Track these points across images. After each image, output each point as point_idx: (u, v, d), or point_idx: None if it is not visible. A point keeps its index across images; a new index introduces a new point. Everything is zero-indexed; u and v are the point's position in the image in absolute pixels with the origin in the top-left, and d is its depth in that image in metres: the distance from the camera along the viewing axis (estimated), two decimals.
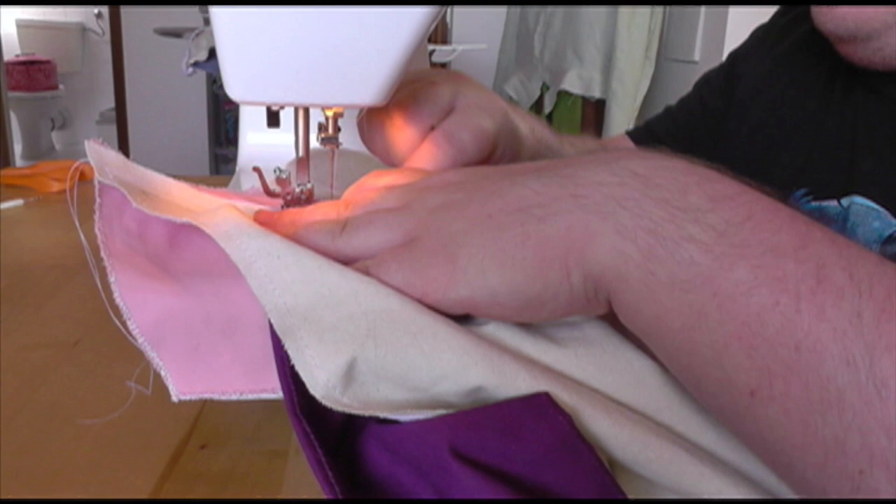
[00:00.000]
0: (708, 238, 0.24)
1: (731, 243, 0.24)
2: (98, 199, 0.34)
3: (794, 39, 0.63)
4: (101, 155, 0.36)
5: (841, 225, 0.52)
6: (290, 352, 0.27)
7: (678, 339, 0.25)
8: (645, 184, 0.26)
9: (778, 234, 0.24)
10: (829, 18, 0.51)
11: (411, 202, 0.32)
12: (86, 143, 0.36)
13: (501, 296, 0.28)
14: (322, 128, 0.42)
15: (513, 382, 0.26)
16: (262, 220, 0.34)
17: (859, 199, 0.52)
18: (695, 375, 0.25)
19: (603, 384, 0.29)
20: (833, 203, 0.53)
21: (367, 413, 0.26)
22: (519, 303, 0.28)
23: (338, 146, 0.42)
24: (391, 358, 0.27)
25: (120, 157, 0.37)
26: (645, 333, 0.27)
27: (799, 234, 0.24)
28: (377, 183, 0.37)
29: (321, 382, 0.26)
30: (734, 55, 0.71)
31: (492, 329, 0.29)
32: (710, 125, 0.70)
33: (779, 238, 0.24)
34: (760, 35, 0.69)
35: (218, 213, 0.33)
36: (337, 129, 0.42)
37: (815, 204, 0.55)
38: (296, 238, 0.32)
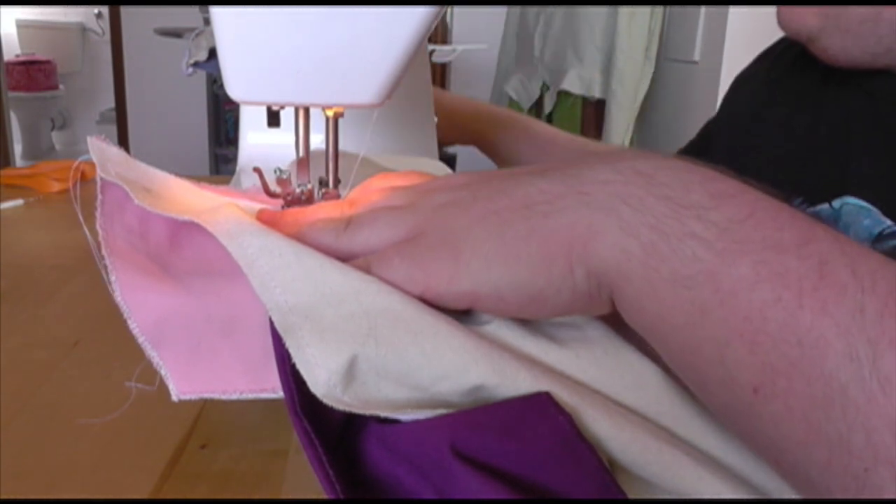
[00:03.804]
0: (710, 235, 0.24)
1: (733, 240, 0.24)
2: (100, 196, 0.34)
3: (787, 60, 0.64)
4: (103, 151, 0.36)
5: (833, 226, 0.52)
6: (290, 350, 0.27)
7: (681, 335, 0.25)
8: (648, 181, 0.26)
9: (780, 231, 0.24)
10: (782, 22, 0.52)
11: (416, 202, 0.32)
12: (88, 139, 0.36)
13: (504, 290, 0.28)
14: (323, 182, 0.42)
15: (513, 382, 0.26)
16: (264, 219, 0.34)
17: (851, 200, 0.52)
18: (697, 373, 0.25)
19: (604, 385, 0.29)
20: (825, 206, 0.53)
21: (367, 412, 0.26)
22: (522, 298, 0.28)
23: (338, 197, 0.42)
24: (392, 357, 0.27)
25: (122, 153, 0.36)
26: (647, 331, 0.27)
27: (801, 232, 0.24)
28: (382, 185, 0.37)
29: (322, 381, 0.26)
30: (735, 81, 0.72)
31: (493, 328, 0.29)
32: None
33: (781, 235, 0.24)
34: (760, 57, 0.70)
35: (220, 211, 0.33)
36: (337, 182, 0.42)
37: (810, 210, 0.55)
38: (299, 236, 0.32)
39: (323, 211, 0.35)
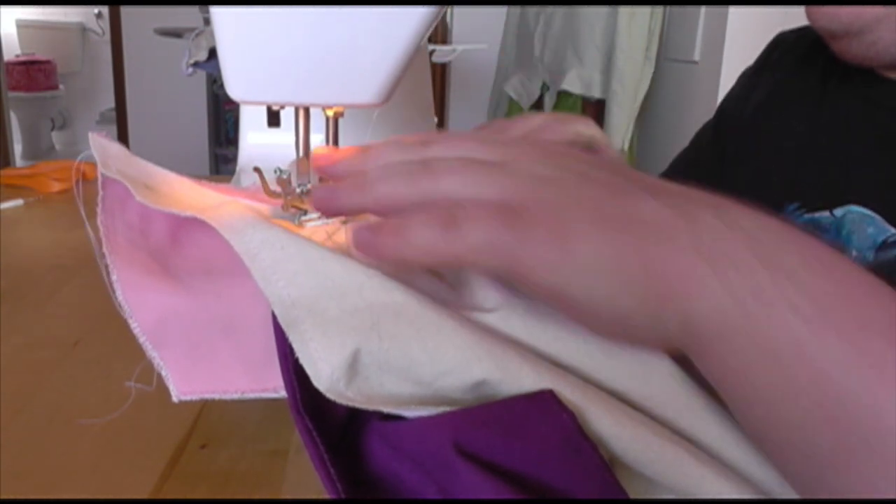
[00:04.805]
0: (807, 309, 0.24)
1: (827, 317, 0.24)
2: (101, 192, 0.34)
3: (785, 68, 0.65)
4: (104, 148, 0.36)
5: (834, 234, 0.53)
6: (294, 344, 0.27)
7: (765, 404, 0.25)
8: (751, 239, 0.26)
9: (874, 310, 0.24)
10: (822, 15, 0.52)
11: (510, 164, 0.29)
12: (90, 135, 0.36)
13: (599, 301, 0.26)
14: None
15: (516, 379, 0.26)
16: (322, 160, 0.31)
17: (855, 208, 0.52)
18: (775, 438, 0.26)
19: (610, 374, 0.29)
20: (826, 214, 0.54)
21: (370, 407, 0.26)
22: (608, 314, 0.26)
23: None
24: (395, 352, 0.26)
25: (123, 150, 0.36)
26: (728, 391, 0.27)
27: (892, 314, 0.24)
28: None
29: (325, 375, 0.26)
30: (722, 105, 0.72)
31: (498, 318, 0.29)
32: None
33: (874, 314, 0.24)
34: (749, 74, 0.70)
35: (221, 207, 0.33)
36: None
37: (807, 216, 0.55)
38: (367, 178, 0.28)
39: (392, 149, 0.31)
